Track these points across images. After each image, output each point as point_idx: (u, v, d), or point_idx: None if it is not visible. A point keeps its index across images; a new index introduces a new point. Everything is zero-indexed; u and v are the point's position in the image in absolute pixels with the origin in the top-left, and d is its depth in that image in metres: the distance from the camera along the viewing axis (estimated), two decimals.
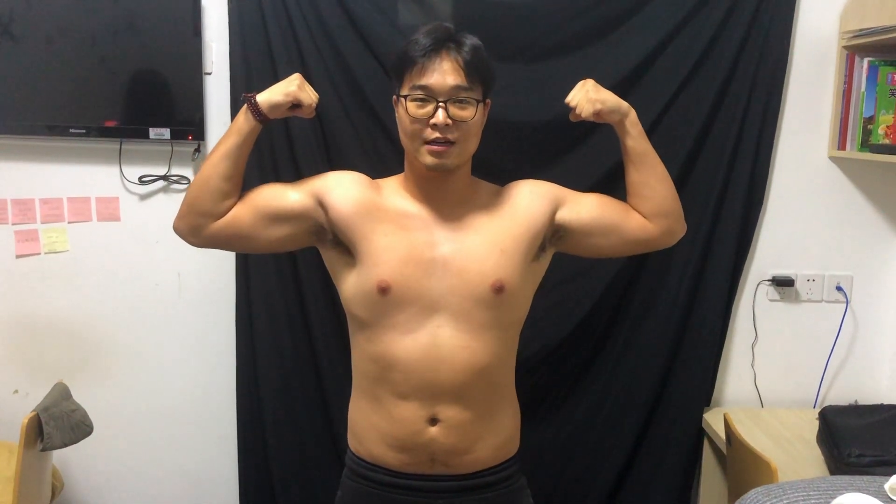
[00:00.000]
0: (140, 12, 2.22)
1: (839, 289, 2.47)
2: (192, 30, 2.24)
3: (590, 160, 2.28)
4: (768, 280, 2.46)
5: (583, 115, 1.67)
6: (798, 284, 2.46)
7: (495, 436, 1.64)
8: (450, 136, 1.52)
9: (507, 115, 2.19)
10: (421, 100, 1.51)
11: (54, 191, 2.37)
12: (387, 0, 2.23)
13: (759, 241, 2.44)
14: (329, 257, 1.67)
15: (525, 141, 2.26)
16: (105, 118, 2.29)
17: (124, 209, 2.39)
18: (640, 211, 1.72)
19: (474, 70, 1.52)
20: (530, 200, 1.66)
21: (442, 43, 1.52)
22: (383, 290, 1.55)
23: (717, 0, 2.24)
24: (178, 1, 2.24)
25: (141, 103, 2.29)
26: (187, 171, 2.38)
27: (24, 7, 2.20)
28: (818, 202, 2.44)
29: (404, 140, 1.58)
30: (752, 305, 2.47)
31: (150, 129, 2.27)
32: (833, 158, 2.40)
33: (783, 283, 2.45)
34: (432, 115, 1.50)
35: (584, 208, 1.69)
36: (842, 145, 2.34)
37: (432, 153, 1.52)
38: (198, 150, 2.34)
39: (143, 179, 2.37)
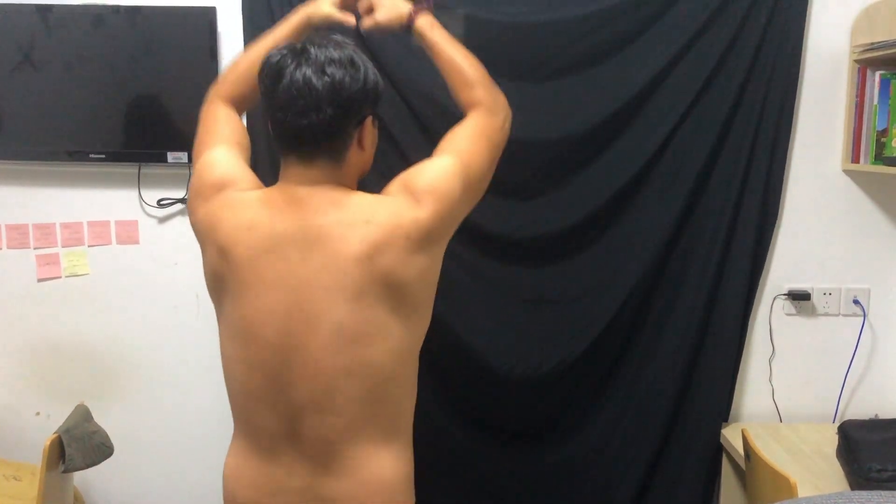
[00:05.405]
0: (157, 38, 2.26)
1: (856, 302, 2.46)
2: (209, 54, 2.28)
3: (601, 178, 2.30)
4: (784, 294, 2.45)
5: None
6: (814, 298, 2.45)
7: None
8: None
9: (517, 133, 2.20)
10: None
11: (74, 215, 2.41)
12: None
13: (775, 256, 2.43)
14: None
15: (536, 159, 2.27)
16: (124, 143, 2.32)
17: (143, 232, 2.43)
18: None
19: None
20: None
21: None
22: None
23: (727, 15, 2.25)
24: (195, 26, 2.27)
25: (159, 128, 2.32)
26: None
27: (44, 35, 2.25)
28: (833, 215, 2.43)
29: (370, 160, 1.61)
30: (769, 320, 2.46)
31: (168, 153, 2.30)
32: (847, 171, 2.40)
33: (799, 297, 2.44)
34: None
35: None
36: (855, 158, 2.34)
37: None
38: None
39: (162, 203, 2.40)
